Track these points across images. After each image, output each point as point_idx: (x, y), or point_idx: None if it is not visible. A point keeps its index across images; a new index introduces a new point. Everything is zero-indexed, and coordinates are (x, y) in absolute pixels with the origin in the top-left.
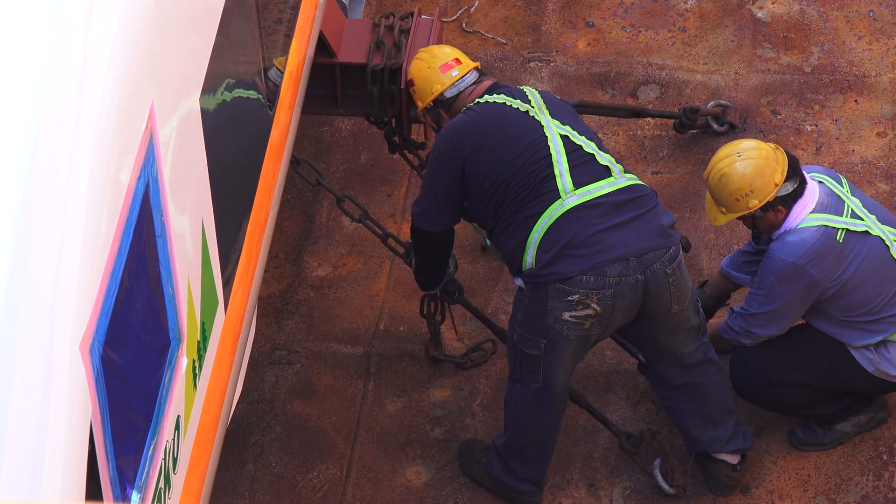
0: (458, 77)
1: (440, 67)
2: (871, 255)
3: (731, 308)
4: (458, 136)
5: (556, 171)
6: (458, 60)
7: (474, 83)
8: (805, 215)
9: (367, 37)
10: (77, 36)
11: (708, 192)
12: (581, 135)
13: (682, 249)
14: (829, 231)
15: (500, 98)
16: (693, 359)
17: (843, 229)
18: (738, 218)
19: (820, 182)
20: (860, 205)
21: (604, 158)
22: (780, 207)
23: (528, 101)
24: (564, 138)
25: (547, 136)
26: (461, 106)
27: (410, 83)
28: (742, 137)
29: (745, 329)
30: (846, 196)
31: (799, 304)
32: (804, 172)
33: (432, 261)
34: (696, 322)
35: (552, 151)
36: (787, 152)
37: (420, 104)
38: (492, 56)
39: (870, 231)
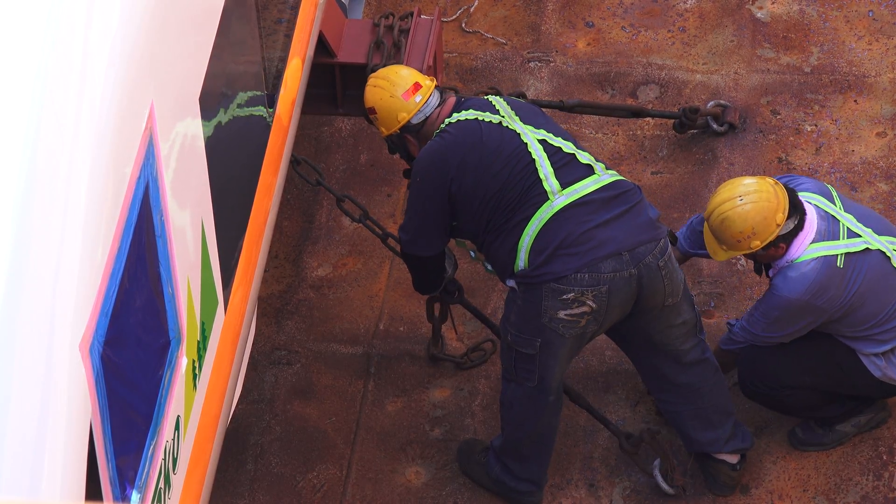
0: (423, 102)
1: (402, 95)
2: (872, 270)
3: (729, 323)
4: (440, 161)
5: (542, 175)
6: (417, 84)
7: (439, 105)
8: (805, 247)
9: (366, 37)
10: (77, 36)
11: (707, 227)
12: (557, 136)
13: (668, 242)
14: (828, 260)
15: (470, 114)
16: (690, 356)
17: (842, 254)
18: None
19: (813, 205)
20: (854, 220)
21: (584, 157)
22: (782, 244)
23: (498, 112)
24: (543, 142)
25: (526, 143)
26: (430, 129)
27: (371, 111)
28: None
29: (749, 342)
30: (840, 215)
31: (806, 329)
32: (802, 201)
33: (428, 273)
34: (690, 316)
35: (535, 157)
36: (786, 186)
37: (385, 131)
38: (492, 56)
39: (869, 247)
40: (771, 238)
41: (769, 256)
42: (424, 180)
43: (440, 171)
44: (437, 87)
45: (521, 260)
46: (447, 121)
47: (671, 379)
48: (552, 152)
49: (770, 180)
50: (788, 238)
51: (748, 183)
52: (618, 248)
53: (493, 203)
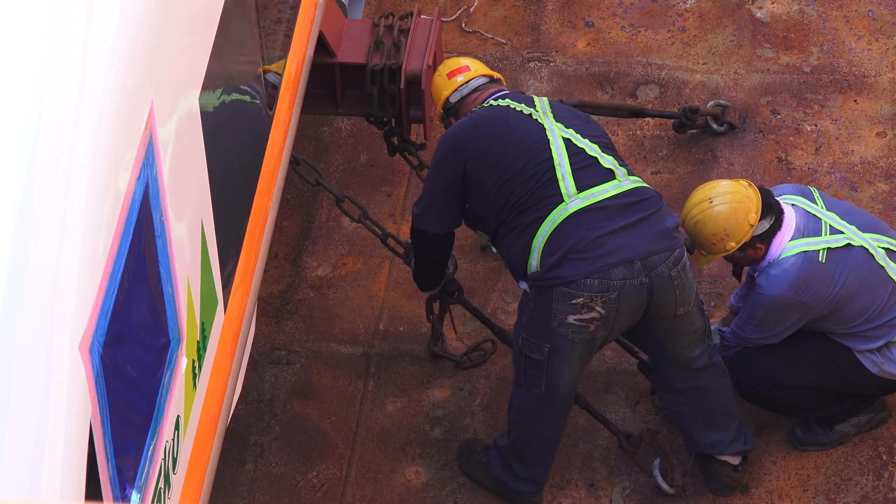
0: (462, 83)
1: (448, 74)
2: (857, 266)
3: (720, 329)
4: (460, 138)
5: (559, 175)
6: (466, 68)
7: (478, 89)
8: (784, 245)
9: (366, 37)
10: (77, 36)
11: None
12: (584, 137)
13: (686, 251)
14: (809, 255)
15: (503, 102)
16: (699, 363)
17: (823, 249)
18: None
19: (793, 205)
20: (837, 218)
21: (607, 161)
22: (759, 245)
23: (533, 106)
24: (567, 141)
25: (549, 139)
26: (466, 110)
27: (430, 93)
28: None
29: (740, 345)
30: (821, 213)
31: (794, 327)
32: (779, 201)
33: (431, 262)
34: (700, 324)
35: (554, 154)
36: (760, 188)
37: (437, 111)
38: (491, 56)
39: (851, 243)
40: (745, 239)
41: (749, 259)
42: (443, 154)
43: (458, 148)
44: (488, 76)
45: (534, 259)
46: (481, 105)
47: (678, 384)
48: (574, 152)
49: (744, 182)
50: (765, 238)
51: (720, 185)
52: (630, 256)
53: (506, 190)
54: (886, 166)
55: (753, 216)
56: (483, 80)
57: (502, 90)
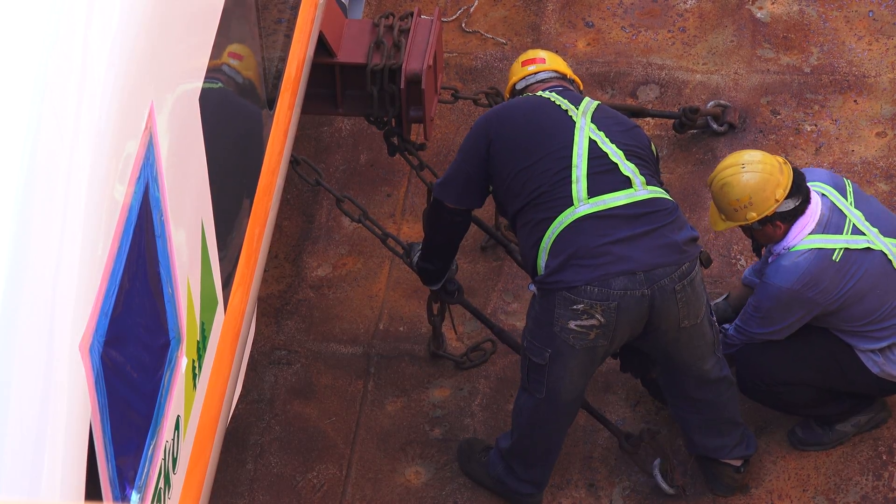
0: (532, 73)
1: (523, 62)
2: (872, 269)
3: (723, 327)
4: (492, 120)
5: (574, 177)
6: (542, 60)
7: (543, 81)
8: (803, 236)
9: (366, 37)
10: (77, 36)
11: (712, 196)
12: (612, 143)
13: (700, 265)
14: (824, 252)
15: (546, 94)
16: (711, 375)
17: (840, 249)
18: (738, 226)
19: (823, 195)
20: (862, 217)
21: (627, 169)
22: (779, 223)
23: (577, 105)
24: (592, 143)
25: (574, 138)
26: None
27: None
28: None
29: (743, 342)
30: (848, 210)
31: (799, 323)
32: (809, 188)
33: (439, 242)
34: (710, 337)
35: (574, 154)
36: (794, 168)
37: (506, 94)
38: (492, 56)
39: (871, 246)
40: (767, 212)
41: (766, 235)
42: (473, 131)
43: (485, 129)
44: (560, 74)
45: (542, 259)
46: (527, 93)
47: (688, 394)
48: (595, 155)
49: (780, 158)
50: (787, 218)
51: (755, 153)
52: (632, 268)
53: (522, 179)
54: (886, 166)
55: (781, 192)
56: (551, 75)
57: (561, 86)
